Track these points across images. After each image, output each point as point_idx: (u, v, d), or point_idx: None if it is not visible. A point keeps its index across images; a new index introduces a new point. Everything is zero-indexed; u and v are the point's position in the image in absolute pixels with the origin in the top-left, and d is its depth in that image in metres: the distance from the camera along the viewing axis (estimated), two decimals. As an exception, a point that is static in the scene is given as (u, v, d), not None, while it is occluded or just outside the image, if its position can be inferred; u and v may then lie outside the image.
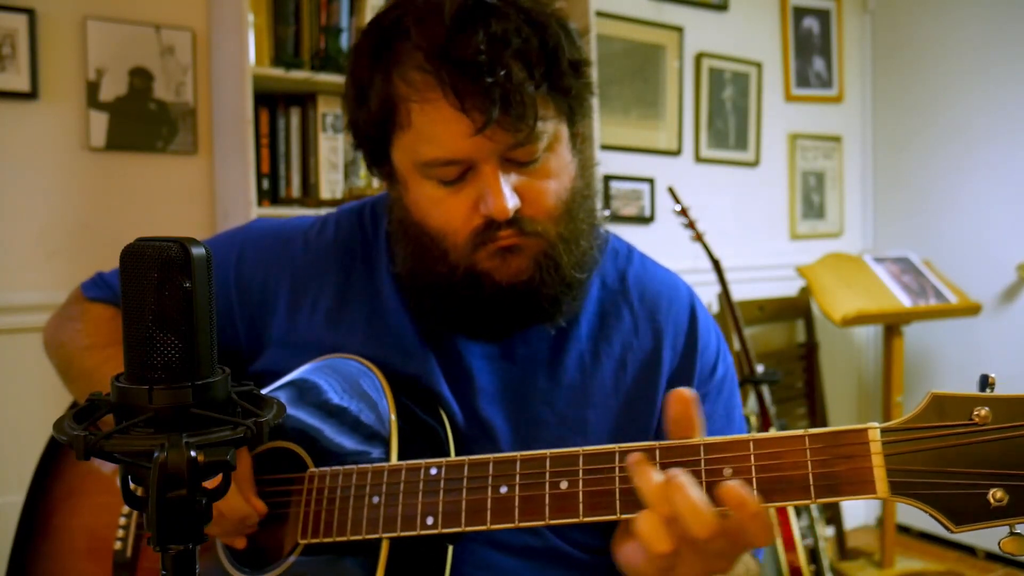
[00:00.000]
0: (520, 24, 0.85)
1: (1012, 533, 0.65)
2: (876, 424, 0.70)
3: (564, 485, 0.78)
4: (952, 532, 0.66)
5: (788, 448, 0.71)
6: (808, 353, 3.41)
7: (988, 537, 3.22)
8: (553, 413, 0.97)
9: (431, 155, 0.87)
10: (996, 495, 0.65)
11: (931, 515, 0.67)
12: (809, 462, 0.70)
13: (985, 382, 0.68)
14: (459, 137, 0.84)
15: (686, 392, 0.76)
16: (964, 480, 0.66)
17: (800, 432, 0.72)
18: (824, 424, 3.35)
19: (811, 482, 0.70)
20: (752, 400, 2.75)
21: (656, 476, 0.71)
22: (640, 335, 1.02)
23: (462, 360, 0.98)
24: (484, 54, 0.82)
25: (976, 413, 0.66)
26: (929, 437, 0.67)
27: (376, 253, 1.04)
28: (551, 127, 0.89)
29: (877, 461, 0.68)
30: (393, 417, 0.89)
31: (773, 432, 0.73)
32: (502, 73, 0.82)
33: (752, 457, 0.72)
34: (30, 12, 2.02)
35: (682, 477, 0.70)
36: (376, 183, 2.39)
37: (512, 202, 0.87)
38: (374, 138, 0.92)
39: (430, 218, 0.91)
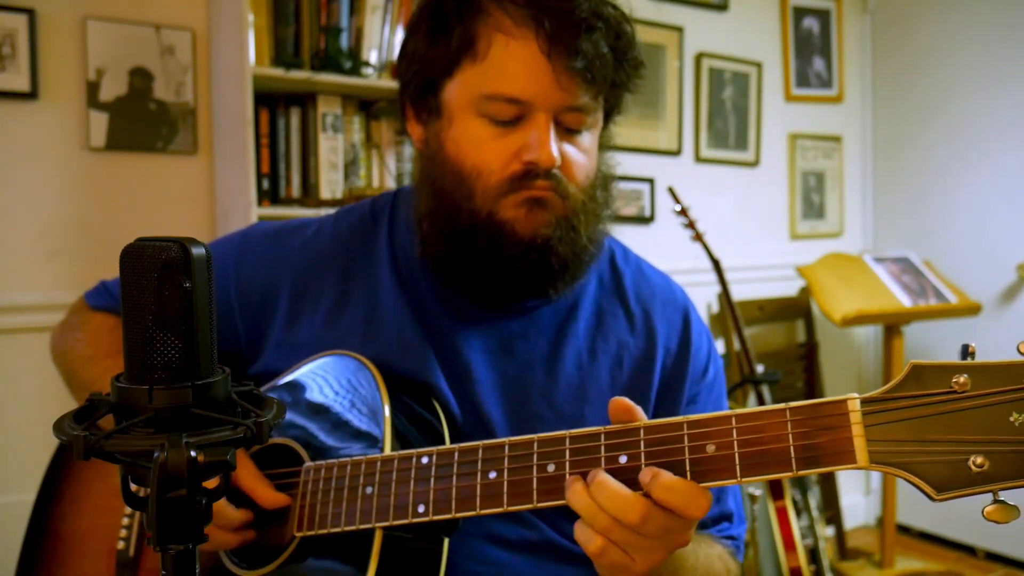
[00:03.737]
0: (610, 8, 0.95)
1: (996, 501, 0.64)
2: (856, 395, 0.70)
3: (551, 468, 0.78)
4: (934, 500, 0.66)
5: (769, 422, 0.72)
6: (808, 353, 3.41)
7: (988, 537, 3.22)
8: (551, 409, 0.98)
9: (499, 89, 0.90)
10: (977, 461, 0.64)
11: (912, 483, 0.66)
12: (790, 435, 0.71)
13: (966, 351, 0.68)
14: (534, 78, 0.89)
15: (625, 401, 0.77)
16: (945, 447, 0.66)
17: (781, 406, 0.72)
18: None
19: (792, 455, 0.70)
20: (752, 400, 2.74)
21: (579, 486, 0.75)
22: (635, 334, 1.03)
23: (461, 354, 0.99)
24: (584, 13, 0.90)
25: (955, 381, 0.66)
26: (909, 406, 0.67)
27: (376, 248, 1.05)
28: (596, 110, 0.96)
29: (857, 431, 0.68)
30: (387, 413, 0.90)
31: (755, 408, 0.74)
32: (594, 36, 0.89)
33: (734, 432, 0.72)
34: (30, 12, 2.02)
35: (600, 475, 0.74)
36: (376, 183, 2.39)
37: (557, 154, 0.91)
38: (434, 69, 0.95)
39: (467, 156, 0.93)
